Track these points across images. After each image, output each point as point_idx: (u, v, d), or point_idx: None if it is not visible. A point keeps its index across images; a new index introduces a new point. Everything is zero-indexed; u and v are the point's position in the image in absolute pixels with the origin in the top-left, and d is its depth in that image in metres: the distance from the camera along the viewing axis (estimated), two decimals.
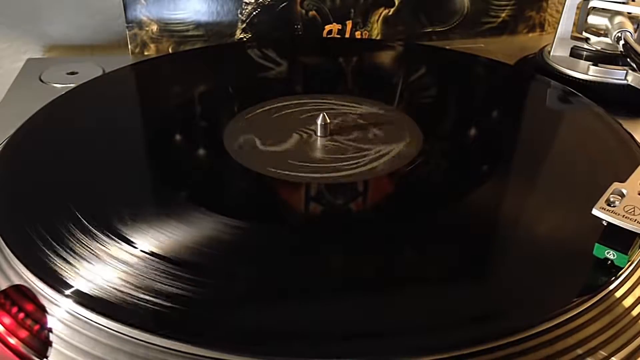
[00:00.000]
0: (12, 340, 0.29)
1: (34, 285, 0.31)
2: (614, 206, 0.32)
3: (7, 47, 0.66)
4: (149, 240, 0.33)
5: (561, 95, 0.50)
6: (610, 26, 0.52)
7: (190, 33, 0.63)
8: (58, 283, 0.30)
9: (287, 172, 0.40)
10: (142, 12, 0.61)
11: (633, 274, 0.32)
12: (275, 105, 0.48)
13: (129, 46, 0.62)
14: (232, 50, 0.61)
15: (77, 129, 0.45)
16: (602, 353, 0.29)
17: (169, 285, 0.30)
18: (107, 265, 0.31)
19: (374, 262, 0.33)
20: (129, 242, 0.33)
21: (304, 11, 0.64)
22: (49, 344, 0.29)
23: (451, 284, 0.32)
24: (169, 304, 0.29)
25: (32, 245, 0.32)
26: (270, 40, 0.62)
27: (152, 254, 0.32)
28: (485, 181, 0.40)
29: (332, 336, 0.28)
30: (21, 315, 0.30)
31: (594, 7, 0.54)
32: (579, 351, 0.29)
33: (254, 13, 0.63)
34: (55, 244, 0.33)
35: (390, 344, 0.28)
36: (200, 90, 0.53)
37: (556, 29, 0.56)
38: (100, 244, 0.33)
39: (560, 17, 0.56)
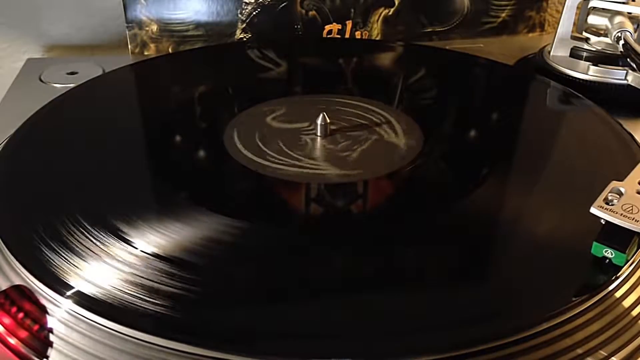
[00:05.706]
0: (12, 340, 0.29)
1: (34, 286, 0.31)
2: (612, 204, 0.32)
3: (7, 47, 0.66)
4: (149, 241, 0.33)
5: (561, 95, 0.50)
6: (610, 26, 0.52)
7: (190, 33, 0.63)
8: (58, 283, 0.30)
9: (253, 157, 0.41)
10: (142, 12, 0.61)
11: (633, 274, 0.32)
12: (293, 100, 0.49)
13: (129, 46, 0.62)
14: (232, 50, 0.61)
15: (77, 128, 0.45)
16: (602, 353, 0.29)
17: (168, 286, 0.30)
18: (107, 266, 0.31)
19: (374, 262, 0.33)
20: (129, 243, 0.33)
21: (304, 11, 0.64)
22: (49, 344, 0.29)
23: (451, 284, 0.32)
24: (168, 304, 0.29)
25: (32, 246, 0.32)
26: (270, 40, 0.62)
27: (152, 254, 0.32)
28: (485, 181, 0.40)
29: (332, 336, 0.28)
30: (21, 315, 0.30)
31: (594, 7, 0.54)
32: (579, 351, 0.29)
33: (254, 13, 0.63)
34: (55, 244, 0.32)
35: (390, 344, 0.28)
36: (200, 90, 0.53)
37: (556, 29, 0.56)
38: (100, 244, 0.33)
39: (560, 17, 0.56)
